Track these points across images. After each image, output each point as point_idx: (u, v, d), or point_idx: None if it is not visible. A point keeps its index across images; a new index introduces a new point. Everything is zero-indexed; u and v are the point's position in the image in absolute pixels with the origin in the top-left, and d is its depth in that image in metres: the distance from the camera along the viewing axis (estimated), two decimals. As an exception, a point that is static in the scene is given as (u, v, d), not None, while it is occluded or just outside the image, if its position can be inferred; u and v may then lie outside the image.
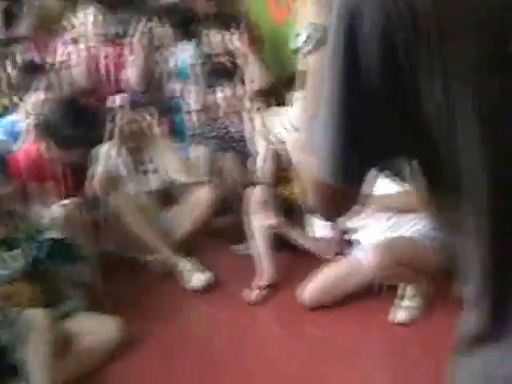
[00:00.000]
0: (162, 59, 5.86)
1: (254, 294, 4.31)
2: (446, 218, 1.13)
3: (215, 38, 5.71)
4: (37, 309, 3.52)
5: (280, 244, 4.51)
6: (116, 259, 4.69)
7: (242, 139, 5.29)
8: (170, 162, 5.01)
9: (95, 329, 3.78)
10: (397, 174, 3.68)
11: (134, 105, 5.08)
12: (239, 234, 4.93)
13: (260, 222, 4.41)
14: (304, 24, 1.24)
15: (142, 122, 5.03)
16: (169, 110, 5.60)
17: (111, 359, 3.71)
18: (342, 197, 1.18)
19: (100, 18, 5.65)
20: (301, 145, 1.21)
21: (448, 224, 1.13)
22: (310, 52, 1.22)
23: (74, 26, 5.68)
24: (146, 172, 5.03)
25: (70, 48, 5.66)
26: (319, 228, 4.38)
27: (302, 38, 1.22)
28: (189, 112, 5.44)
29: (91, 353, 3.66)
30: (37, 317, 3.43)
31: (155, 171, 5.03)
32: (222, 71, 5.47)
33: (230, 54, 5.67)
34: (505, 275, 1.05)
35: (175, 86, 5.74)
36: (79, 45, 5.65)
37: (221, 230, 5.08)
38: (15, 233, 3.86)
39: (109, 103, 5.12)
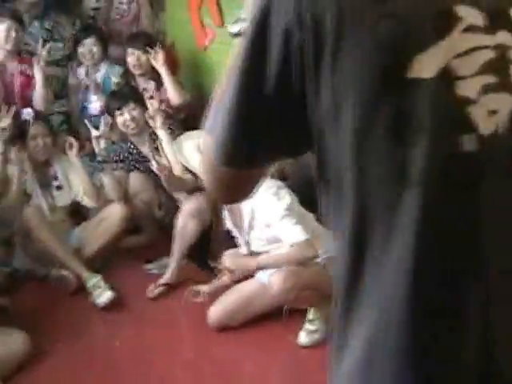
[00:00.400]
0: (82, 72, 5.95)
1: (153, 291, 4.56)
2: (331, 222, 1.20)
3: (131, 58, 5.74)
4: None
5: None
6: (26, 274, 4.70)
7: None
8: (79, 184, 5.03)
9: (1, 342, 3.77)
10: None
11: (40, 119, 5.10)
12: (151, 252, 5.01)
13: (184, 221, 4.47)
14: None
15: (46, 138, 5.00)
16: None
17: (17, 372, 3.71)
18: (234, 181, 1.24)
19: (12, 33, 5.52)
20: (206, 128, 1.26)
21: (332, 227, 1.20)
22: (238, 35, 1.30)
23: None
24: (52, 187, 5.03)
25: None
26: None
27: (240, 23, 1.29)
28: (98, 137, 5.35)
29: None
30: None
31: (59, 188, 5.03)
32: (129, 92, 5.52)
33: (145, 72, 5.75)
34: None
35: (94, 103, 5.79)
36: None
37: (133, 248, 5.09)
38: None
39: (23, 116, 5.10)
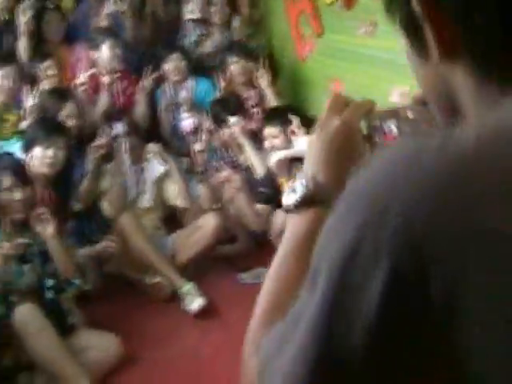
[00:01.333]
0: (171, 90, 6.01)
1: None
2: None
3: (235, 66, 5.79)
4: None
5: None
6: (119, 279, 4.78)
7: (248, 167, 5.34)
8: (174, 188, 5.13)
9: (94, 345, 3.89)
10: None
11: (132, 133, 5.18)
12: (245, 262, 5.04)
13: None
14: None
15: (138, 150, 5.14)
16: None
17: (109, 374, 3.83)
18: None
19: (117, 51, 5.73)
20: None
21: None
22: (292, 210, 1.06)
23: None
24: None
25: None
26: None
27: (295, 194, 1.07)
28: (200, 151, 5.49)
29: (92, 367, 3.74)
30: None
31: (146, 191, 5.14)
32: (234, 103, 5.54)
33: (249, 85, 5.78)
34: None
35: (187, 120, 5.83)
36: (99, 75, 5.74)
37: (227, 256, 5.12)
38: (31, 248, 3.91)
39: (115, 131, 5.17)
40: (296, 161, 4.21)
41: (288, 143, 4.86)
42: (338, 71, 5.55)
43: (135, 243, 4.69)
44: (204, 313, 4.45)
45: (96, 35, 5.84)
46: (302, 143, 4.15)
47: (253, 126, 5.52)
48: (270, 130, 5.07)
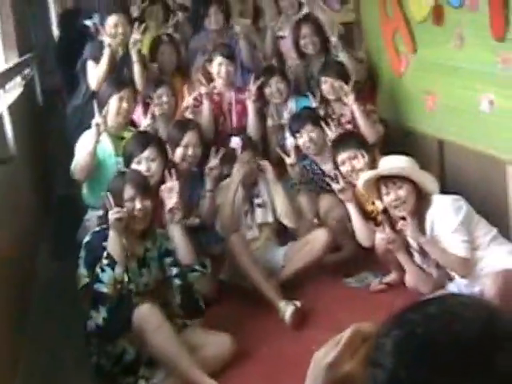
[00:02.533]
0: (274, 112, 6.33)
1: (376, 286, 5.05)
2: None
3: (325, 86, 6.05)
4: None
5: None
6: (232, 286, 5.11)
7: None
8: (280, 205, 5.36)
9: (210, 343, 4.22)
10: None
11: (249, 147, 5.47)
12: (350, 268, 5.33)
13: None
14: None
15: (253, 163, 5.41)
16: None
17: (223, 370, 4.14)
18: None
19: (230, 68, 6.19)
20: None
21: None
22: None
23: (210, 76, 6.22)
24: (254, 205, 5.42)
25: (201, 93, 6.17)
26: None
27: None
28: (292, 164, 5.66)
29: (208, 362, 4.07)
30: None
31: (260, 206, 5.40)
32: (307, 114, 5.79)
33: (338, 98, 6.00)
34: None
35: (288, 139, 6.06)
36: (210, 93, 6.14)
37: (333, 264, 5.36)
38: (149, 252, 4.26)
39: (232, 144, 5.50)
40: (383, 179, 4.53)
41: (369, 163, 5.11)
42: (432, 84, 5.72)
43: (241, 263, 4.96)
44: (308, 315, 4.72)
45: (214, 52, 6.32)
46: (388, 163, 4.48)
47: None
48: (345, 155, 5.20)
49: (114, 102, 5.42)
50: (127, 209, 4.11)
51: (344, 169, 5.18)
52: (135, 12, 6.89)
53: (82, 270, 4.08)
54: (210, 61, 6.27)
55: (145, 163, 4.96)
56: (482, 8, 4.72)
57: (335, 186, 5.07)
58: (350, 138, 5.35)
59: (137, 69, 6.11)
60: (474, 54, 4.99)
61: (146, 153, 4.98)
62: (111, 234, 4.04)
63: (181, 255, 4.25)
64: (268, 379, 4.12)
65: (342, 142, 5.32)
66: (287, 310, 4.65)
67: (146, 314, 3.92)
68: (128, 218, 4.10)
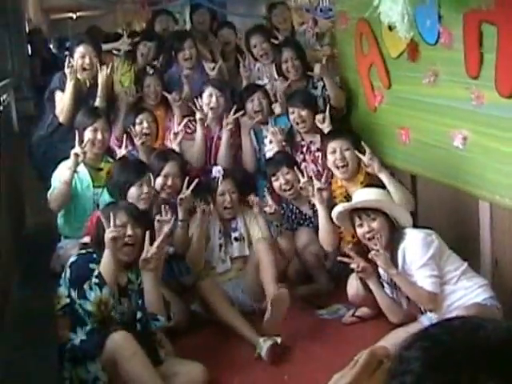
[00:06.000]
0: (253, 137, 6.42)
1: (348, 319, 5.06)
2: None
3: (292, 116, 6.16)
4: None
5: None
6: (204, 317, 5.11)
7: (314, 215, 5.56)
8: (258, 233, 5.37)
9: (183, 372, 4.20)
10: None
11: (229, 177, 5.50)
12: (322, 300, 5.37)
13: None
14: None
15: (233, 194, 5.43)
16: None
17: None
18: None
19: (220, 99, 6.27)
20: None
21: None
22: None
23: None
24: (231, 238, 5.43)
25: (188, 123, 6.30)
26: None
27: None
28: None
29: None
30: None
31: (237, 239, 5.42)
32: (283, 157, 5.83)
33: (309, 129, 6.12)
34: None
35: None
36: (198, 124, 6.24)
37: (306, 296, 5.41)
38: (131, 284, 4.28)
39: (213, 173, 5.53)
40: (357, 211, 4.58)
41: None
42: (406, 119, 5.78)
43: (216, 308, 4.99)
44: (284, 346, 4.66)
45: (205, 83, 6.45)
46: (362, 195, 4.55)
47: (319, 169, 5.81)
48: (338, 144, 5.34)
49: (88, 134, 5.46)
50: (118, 234, 4.14)
51: (332, 157, 5.32)
52: (124, 45, 6.98)
53: (63, 290, 4.11)
54: (201, 94, 6.34)
55: (146, 187, 5.04)
56: (457, 46, 4.79)
57: (315, 183, 5.15)
58: (346, 131, 5.57)
59: (98, 102, 6.25)
60: (447, 90, 5.05)
61: (146, 177, 5.09)
62: (106, 253, 4.07)
63: (148, 302, 4.22)
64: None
65: (339, 131, 5.55)
66: (264, 346, 4.61)
67: (121, 342, 3.92)
68: (118, 246, 4.14)
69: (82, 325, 4.03)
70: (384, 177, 5.00)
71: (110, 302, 4.02)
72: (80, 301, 4.01)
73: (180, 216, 5.23)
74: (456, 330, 1.09)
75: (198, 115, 6.16)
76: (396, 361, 1.11)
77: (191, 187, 5.27)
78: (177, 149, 5.97)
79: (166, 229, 4.48)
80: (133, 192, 5.01)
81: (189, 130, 6.28)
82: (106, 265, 4.07)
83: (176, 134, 6.07)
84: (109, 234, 4.07)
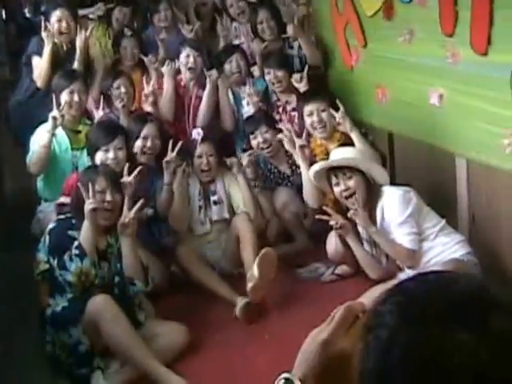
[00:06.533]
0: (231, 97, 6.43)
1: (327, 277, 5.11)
2: None
3: (268, 77, 6.19)
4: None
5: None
6: (184, 278, 5.12)
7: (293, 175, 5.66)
8: (240, 198, 5.38)
9: (163, 333, 4.25)
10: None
11: (208, 139, 5.45)
12: (302, 259, 5.41)
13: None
14: None
15: (211, 157, 5.39)
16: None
17: (176, 360, 4.17)
18: None
19: (198, 59, 6.25)
20: None
21: None
22: None
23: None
24: (210, 202, 5.42)
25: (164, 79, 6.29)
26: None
27: None
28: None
29: (163, 351, 4.11)
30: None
31: (216, 203, 5.41)
32: (262, 116, 5.87)
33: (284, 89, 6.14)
34: None
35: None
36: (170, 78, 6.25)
37: (286, 255, 5.37)
38: (111, 248, 4.29)
39: (193, 135, 5.51)
40: (333, 170, 4.61)
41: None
42: (382, 78, 5.81)
43: (193, 273, 5.03)
44: (264, 304, 4.73)
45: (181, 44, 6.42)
46: (338, 154, 4.58)
47: (296, 128, 5.77)
48: (314, 106, 5.36)
49: (65, 96, 5.43)
50: (97, 200, 4.15)
51: (310, 119, 5.36)
52: (99, 11, 6.92)
53: (42, 256, 4.13)
54: (178, 55, 6.31)
55: (113, 152, 5.00)
56: (432, 3, 4.80)
57: (297, 140, 5.19)
58: (321, 92, 5.56)
59: (76, 65, 6.20)
60: (423, 48, 5.07)
61: (116, 141, 5.03)
62: (86, 224, 4.07)
63: (126, 267, 4.24)
64: (222, 367, 4.16)
65: (313, 93, 5.53)
66: (239, 305, 4.66)
67: (102, 305, 3.95)
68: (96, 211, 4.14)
69: (61, 292, 4.06)
70: (354, 136, 5.04)
71: (91, 272, 4.04)
72: (61, 271, 4.03)
73: (166, 179, 5.21)
74: (430, 284, 1.11)
75: (165, 67, 6.20)
76: (371, 315, 1.13)
77: (176, 149, 5.24)
78: (150, 109, 5.96)
79: (128, 191, 4.51)
80: (99, 157, 5.00)
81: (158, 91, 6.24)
82: (86, 235, 4.07)
83: (147, 96, 6.02)
84: (88, 205, 4.07)
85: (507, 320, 1.03)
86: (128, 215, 4.25)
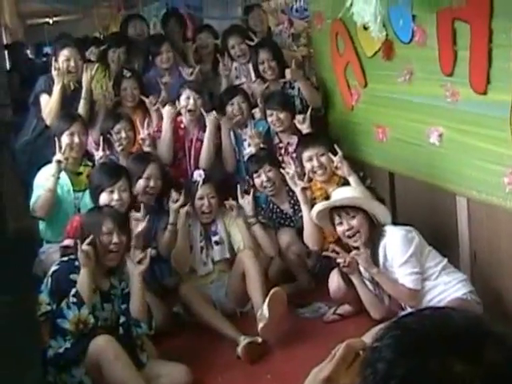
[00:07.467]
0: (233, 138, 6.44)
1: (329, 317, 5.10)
2: None
3: (270, 118, 6.20)
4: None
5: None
6: (186, 318, 5.12)
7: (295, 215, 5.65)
8: (240, 239, 5.35)
9: (166, 373, 4.23)
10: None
11: (209, 181, 5.45)
12: (303, 299, 5.39)
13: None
14: None
15: (212, 199, 5.38)
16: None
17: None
18: None
19: (198, 102, 6.25)
20: None
21: None
22: None
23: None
24: (211, 242, 5.41)
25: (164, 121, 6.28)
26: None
27: None
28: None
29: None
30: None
31: (217, 243, 5.40)
32: (265, 155, 5.84)
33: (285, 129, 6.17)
34: None
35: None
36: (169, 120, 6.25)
37: (288, 295, 5.21)
38: (114, 289, 4.30)
39: (194, 177, 5.49)
40: (336, 209, 4.62)
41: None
42: (382, 118, 5.83)
43: (198, 310, 5.01)
44: (266, 344, 4.70)
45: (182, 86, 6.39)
46: (340, 193, 4.58)
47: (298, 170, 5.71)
48: (313, 151, 5.35)
49: (65, 138, 5.46)
50: (104, 242, 4.18)
51: (310, 165, 5.34)
52: (91, 55, 7.00)
53: (44, 298, 4.13)
54: (178, 97, 6.32)
55: (117, 193, 5.01)
56: (431, 43, 4.84)
57: (299, 183, 5.19)
58: (320, 136, 5.58)
59: (82, 104, 6.23)
60: (423, 88, 5.10)
61: (120, 183, 5.04)
62: (82, 272, 4.07)
63: (133, 307, 4.25)
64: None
65: (311, 138, 5.54)
66: (241, 344, 4.64)
67: (104, 345, 3.94)
68: (102, 252, 4.18)
69: (63, 334, 4.05)
70: (352, 180, 5.04)
71: (89, 320, 4.03)
72: (58, 320, 4.03)
73: (171, 219, 5.24)
74: (426, 319, 1.14)
75: (164, 109, 6.22)
76: (369, 351, 1.15)
77: (182, 191, 5.29)
78: (149, 150, 6.00)
79: (140, 227, 4.52)
80: (103, 198, 5.01)
81: (157, 134, 6.27)
82: (83, 284, 4.07)
83: (143, 140, 6.06)
84: (81, 251, 4.08)
85: (501, 350, 1.05)
86: (139, 254, 4.28)
